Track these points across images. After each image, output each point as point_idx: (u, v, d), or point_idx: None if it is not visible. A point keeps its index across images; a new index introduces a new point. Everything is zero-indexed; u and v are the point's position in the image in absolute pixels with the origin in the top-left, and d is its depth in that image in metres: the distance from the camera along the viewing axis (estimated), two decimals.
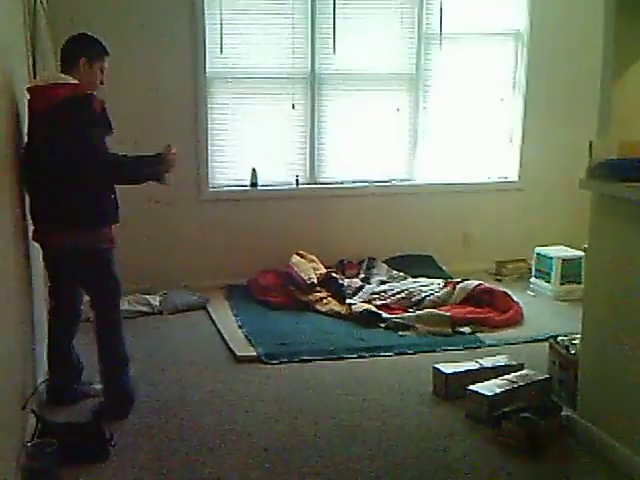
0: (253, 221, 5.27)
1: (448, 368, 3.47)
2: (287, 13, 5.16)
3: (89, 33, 3.17)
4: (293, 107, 5.28)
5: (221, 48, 5.06)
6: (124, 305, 4.61)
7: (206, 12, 4.97)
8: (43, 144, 2.96)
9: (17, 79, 3.08)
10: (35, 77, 4.23)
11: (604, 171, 2.85)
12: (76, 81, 3.02)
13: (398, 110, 5.44)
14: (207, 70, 5.07)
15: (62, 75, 3.05)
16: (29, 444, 2.66)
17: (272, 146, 5.33)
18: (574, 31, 5.41)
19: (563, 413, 3.12)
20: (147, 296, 4.74)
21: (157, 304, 4.70)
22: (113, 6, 4.80)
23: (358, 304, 4.62)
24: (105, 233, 3.14)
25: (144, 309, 4.65)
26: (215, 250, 5.20)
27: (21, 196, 3.05)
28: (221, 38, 5.03)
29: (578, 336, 3.25)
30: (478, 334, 4.26)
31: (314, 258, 5.15)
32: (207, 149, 5.16)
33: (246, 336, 4.21)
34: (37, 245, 3.19)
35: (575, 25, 5.39)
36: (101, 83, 3.16)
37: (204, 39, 5.00)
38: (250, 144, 5.27)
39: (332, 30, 5.18)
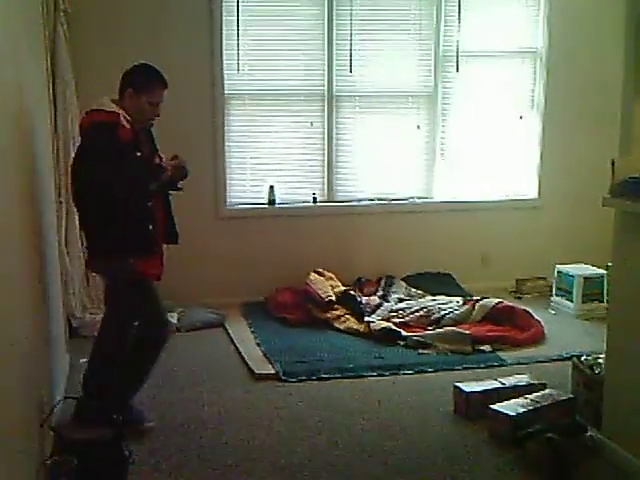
0: (271, 239, 5.27)
1: (469, 387, 3.43)
2: (304, 32, 5.20)
3: (149, 64, 3.16)
4: (311, 125, 5.29)
5: (238, 67, 5.09)
6: None
7: (224, 31, 5.01)
8: (72, 172, 3.09)
9: (35, 107, 3.12)
10: (55, 103, 4.31)
11: (627, 189, 2.82)
12: (113, 109, 3.01)
13: (418, 128, 5.43)
14: (225, 89, 5.10)
15: (104, 100, 3.06)
16: (48, 461, 2.65)
17: (290, 164, 5.34)
18: (592, 49, 5.41)
19: (588, 433, 3.07)
20: None
21: (175, 321, 4.68)
22: (130, 28, 4.85)
23: (377, 322, 4.59)
24: (117, 263, 3.07)
25: None
26: (233, 268, 5.20)
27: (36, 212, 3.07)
28: (238, 57, 5.06)
29: (602, 355, 3.20)
30: (499, 352, 4.21)
31: (332, 276, 5.13)
32: (225, 167, 5.18)
33: (264, 354, 4.19)
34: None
35: (593, 43, 5.39)
36: (156, 115, 3.14)
37: (222, 58, 5.04)
38: (268, 162, 5.29)
39: (349, 49, 5.21)
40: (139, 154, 3.05)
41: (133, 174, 2.99)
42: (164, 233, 3.25)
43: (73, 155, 3.08)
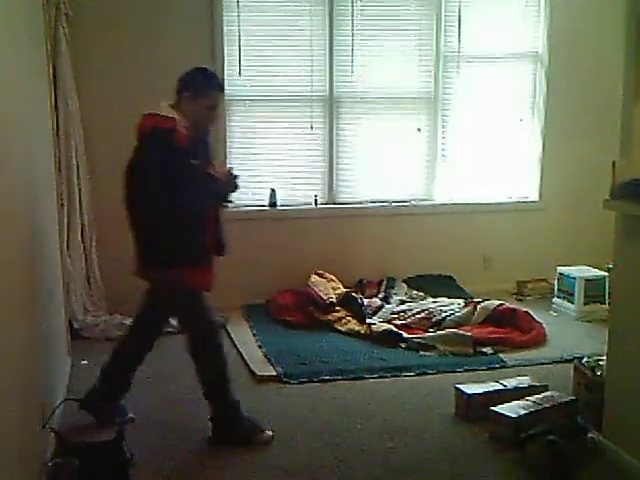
0: (272, 241, 5.27)
1: (470, 389, 3.43)
2: (305, 35, 5.20)
3: (205, 67, 3.13)
4: (312, 128, 5.30)
5: (240, 70, 5.10)
6: None
7: (225, 35, 5.02)
8: (126, 175, 3.02)
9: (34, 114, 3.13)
10: (57, 106, 4.31)
11: (628, 191, 2.82)
12: (170, 114, 2.96)
13: (419, 130, 5.44)
14: (226, 92, 5.10)
15: (161, 105, 3.01)
16: (49, 464, 2.65)
17: (291, 166, 5.34)
18: (593, 52, 5.40)
19: (589, 435, 3.07)
20: None
21: (176, 323, 4.67)
22: (131, 32, 4.86)
23: (378, 324, 4.59)
24: (166, 271, 3.02)
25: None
26: (234, 270, 5.16)
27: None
28: (239, 60, 5.07)
29: (603, 357, 3.20)
30: (500, 354, 4.21)
31: (333, 278, 5.13)
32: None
33: (266, 356, 4.19)
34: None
35: (594, 46, 5.39)
36: (213, 120, 3.11)
37: (223, 62, 5.05)
38: (269, 165, 5.29)
39: (350, 52, 5.22)
40: (195, 162, 2.97)
41: (187, 182, 2.91)
42: (214, 244, 3.19)
43: (128, 159, 3.00)
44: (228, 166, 3.27)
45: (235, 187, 3.19)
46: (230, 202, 3.27)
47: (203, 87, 3.03)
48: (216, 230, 3.21)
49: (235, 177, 3.17)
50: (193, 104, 3.00)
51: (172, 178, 2.87)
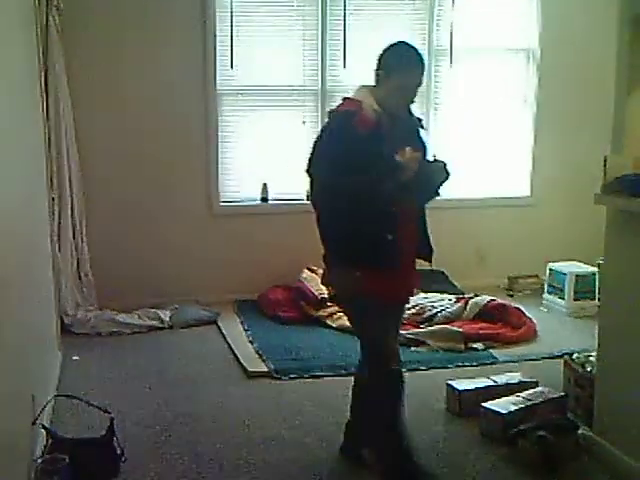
0: (264, 236, 5.25)
1: (461, 385, 3.43)
2: (298, 28, 5.19)
3: (404, 41, 2.75)
4: (304, 123, 5.28)
5: (232, 63, 5.08)
6: (134, 319, 4.63)
7: (217, 27, 5.00)
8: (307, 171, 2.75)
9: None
10: (47, 96, 4.27)
11: (619, 187, 2.82)
12: (358, 97, 2.71)
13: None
14: (217, 85, 5.09)
15: (356, 90, 2.78)
16: (39, 460, 2.64)
17: (283, 161, 5.32)
18: (585, 47, 5.41)
19: (579, 431, 3.08)
20: (158, 310, 4.73)
21: (168, 319, 4.68)
22: (124, 22, 4.84)
23: None
24: (343, 274, 2.68)
25: (155, 323, 4.64)
26: (226, 265, 5.19)
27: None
28: (232, 53, 5.05)
29: (594, 353, 3.21)
30: (491, 350, 4.22)
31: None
32: (217, 164, 5.17)
33: (257, 351, 4.19)
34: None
35: (586, 41, 5.40)
36: (412, 101, 2.75)
37: (215, 54, 5.03)
38: (261, 159, 5.28)
39: (342, 45, 5.20)
40: (380, 147, 2.58)
41: (362, 172, 2.54)
42: (415, 246, 2.77)
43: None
44: (433, 153, 2.75)
45: (442, 176, 2.66)
46: (437, 195, 2.75)
47: (398, 64, 2.69)
48: (416, 228, 2.78)
49: (441, 164, 2.66)
50: (387, 83, 2.68)
51: (344, 168, 2.54)
